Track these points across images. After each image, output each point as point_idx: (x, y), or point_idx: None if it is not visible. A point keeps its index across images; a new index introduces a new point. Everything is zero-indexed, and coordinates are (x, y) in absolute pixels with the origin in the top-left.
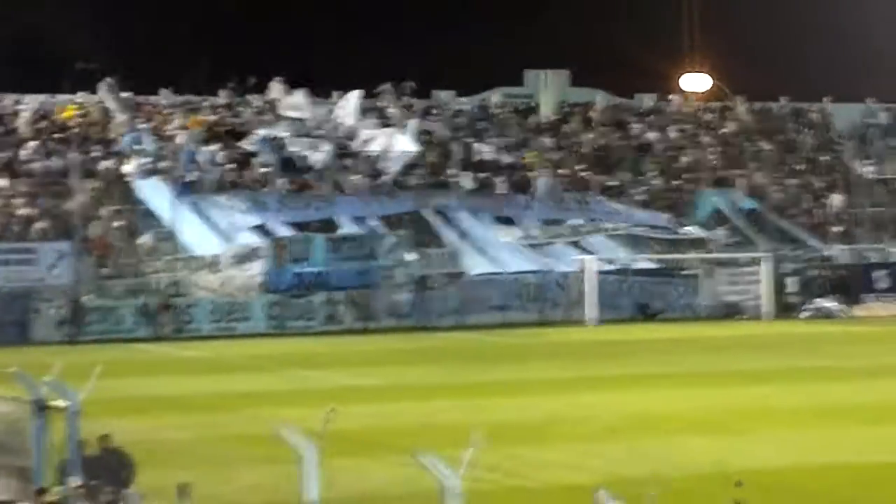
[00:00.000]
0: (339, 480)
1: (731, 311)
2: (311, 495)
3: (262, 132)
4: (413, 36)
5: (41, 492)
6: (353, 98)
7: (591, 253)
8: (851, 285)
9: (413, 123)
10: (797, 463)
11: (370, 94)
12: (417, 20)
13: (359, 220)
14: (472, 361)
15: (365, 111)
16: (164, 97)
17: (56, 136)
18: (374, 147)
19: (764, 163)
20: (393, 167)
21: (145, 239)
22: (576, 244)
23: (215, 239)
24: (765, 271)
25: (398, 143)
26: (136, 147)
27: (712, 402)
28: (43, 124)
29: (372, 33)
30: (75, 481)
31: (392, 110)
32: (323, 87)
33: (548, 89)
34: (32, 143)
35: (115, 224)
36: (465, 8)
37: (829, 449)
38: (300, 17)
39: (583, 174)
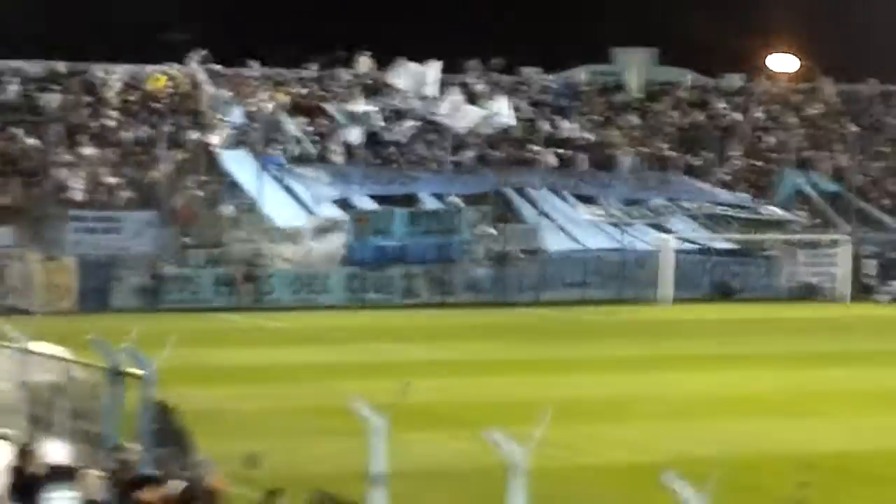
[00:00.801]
0: (409, 454)
1: (810, 293)
2: (377, 468)
3: (348, 106)
4: (501, 12)
5: (115, 449)
6: (433, 70)
7: (671, 232)
8: None
9: (503, 100)
10: (869, 448)
11: (458, 70)
12: None
13: (440, 195)
14: (548, 338)
15: (450, 86)
16: (253, 69)
17: (145, 105)
18: (460, 122)
19: (849, 145)
20: (484, 129)
21: (228, 209)
22: (656, 224)
23: (298, 211)
24: (844, 253)
25: (498, 109)
26: (223, 118)
27: (786, 383)
28: (132, 94)
29: (460, 9)
30: (143, 447)
31: (479, 86)
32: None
33: (634, 68)
34: (121, 113)
35: (199, 194)
36: None
37: None
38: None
39: (667, 153)
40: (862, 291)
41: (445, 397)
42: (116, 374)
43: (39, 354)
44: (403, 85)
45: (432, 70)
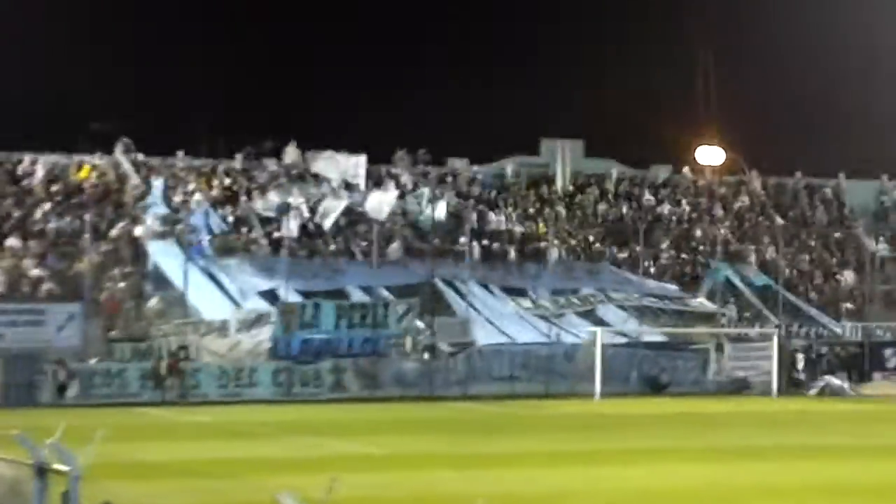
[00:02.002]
0: None
1: (738, 387)
2: None
3: (275, 197)
4: (429, 103)
5: None
6: (359, 161)
7: (600, 323)
8: (861, 363)
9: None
10: None
11: (385, 161)
12: (434, 87)
13: (368, 288)
14: (477, 432)
15: (377, 178)
16: (180, 160)
17: (70, 196)
18: (382, 213)
19: (777, 238)
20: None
21: (154, 302)
22: (585, 315)
23: (225, 304)
24: (772, 347)
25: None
26: (149, 210)
27: (717, 477)
28: (57, 185)
29: (388, 100)
30: None
31: (405, 177)
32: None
33: (563, 159)
34: (46, 203)
35: (125, 286)
36: (481, 76)
37: None
38: (317, 82)
39: (595, 245)
40: (791, 385)
41: (374, 493)
42: (41, 471)
43: None
44: (330, 175)
45: (358, 161)
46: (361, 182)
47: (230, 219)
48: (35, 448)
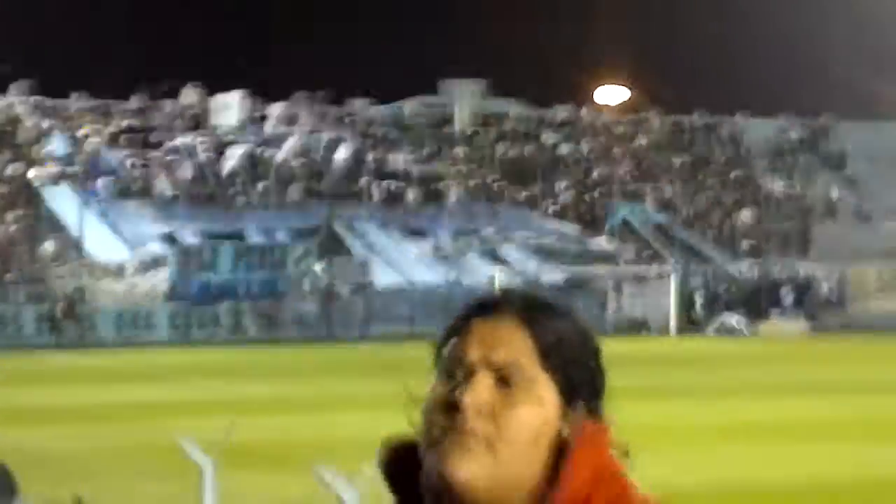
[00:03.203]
0: (239, 494)
1: (638, 326)
2: None
3: (176, 139)
4: (329, 41)
5: None
6: (235, 98)
7: (501, 262)
8: (758, 301)
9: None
10: (696, 482)
11: (284, 99)
12: (334, 26)
13: (268, 231)
14: (375, 373)
15: (279, 118)
16: (76, 101)
17: None
18: (283, 153)
19: (675, 177)
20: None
21: (50, 245)
22: (486, 255)
23: (122, 247)
24: (672, 286)
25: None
26: (44, 152)
27: (611, 419)
28: None
29: (288, 39)
30: None
31: (305, 118)
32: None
33: (463, 99)
34: None
35: (18, 229)
36: (382, 16)
37: (726, 466)
38: (214, 20)
39: (496, 185)
40: (689, 324)
41: (273, 436)
42: None
43: None
44: (223, 119)
45: (244, 100)
46: (234, 119)
47: (127, 162)
48: None
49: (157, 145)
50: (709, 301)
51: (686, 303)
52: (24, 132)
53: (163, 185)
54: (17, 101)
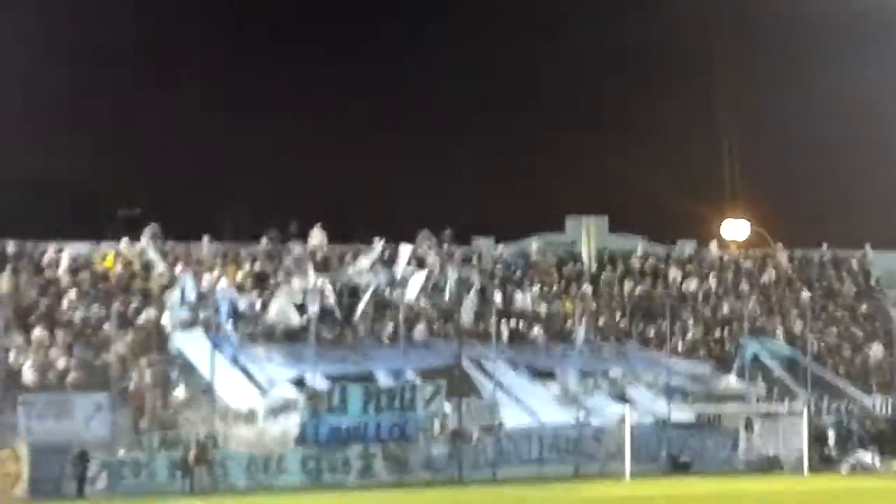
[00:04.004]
0: None
1: (770, 465)
2: None
3: (300, 282)
4: (454, 182)
5: None
6: (383, 247)
7: (629, 403)
8: (892, 437)
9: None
10: None
11: (408, 240)
12: (458, 167)
13: (396, 372)
14: None
15: (405, 259)
16: (205, 246)
17: (95, 285)
18: (410, 293)
19: (803, 311)
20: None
21: (182, 391)
22: (614, 395)
23: (252, 391)
24: (804, 424)
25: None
26: (175, 297)
27: None
28: (83, 273)
29: (414, 180)
30: None
31: (430, 257)
32: (365, 234)
33: (589, 237)
34: (71, 293)
35: (152, 375)
36: (505, 155)
37: None
38: (340, 164)
39: (622, 323)
40: (822, 462)
41: None
42: None
43: None
44: (356, 260)
45: (382, 247)
46: (380, 270)
47: (257, 305)
48: None
49: (286, 288)
50: (842, 437)
51: (818, 440)
52: (155, 278)
53: (292, 328)
54: (149, 247)
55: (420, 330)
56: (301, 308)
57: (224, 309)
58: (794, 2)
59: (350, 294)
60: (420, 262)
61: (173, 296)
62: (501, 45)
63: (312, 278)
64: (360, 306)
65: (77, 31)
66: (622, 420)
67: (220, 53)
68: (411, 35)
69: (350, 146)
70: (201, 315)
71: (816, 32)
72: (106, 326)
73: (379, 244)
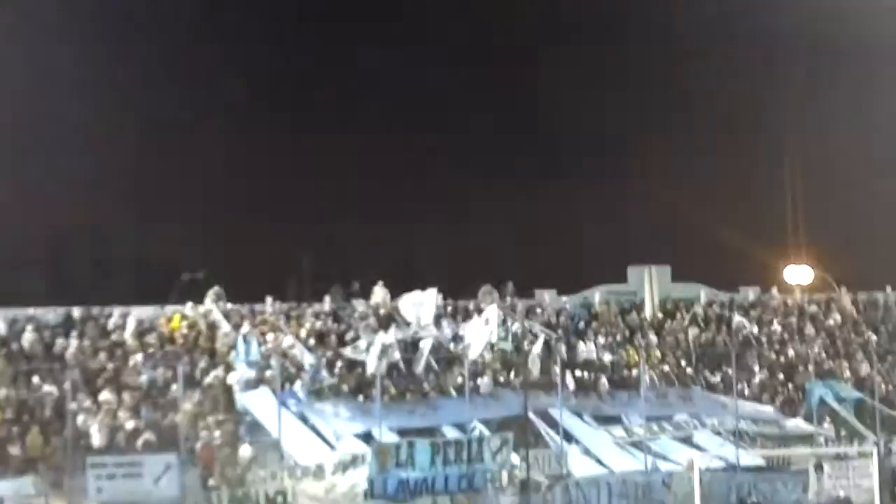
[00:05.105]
0: None
1: None
2: None
3: (369, 338)
4: (514, 236)
5: None
6: (428, 295)
7: (696, 448)
8: None
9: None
10: None
11: (470, 295)
12: (516, 219)
13: (461, 424)
14: None
15: (468, 312)
16: (269, 305)
17: (161, 347)
18: (474, 349)
19: (870, 353)
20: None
21: (250, 448)
22: (681, 441)
23: (320, 447)
24: (874, 464)
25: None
26: (241, 357)
27: None
28: (149, 336)
29: (474, 235)
30: None
31: (495, 310)
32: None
33: (651, 286)
34: (138, 355)
35: (220, 434)
36: (564, 206)
37: None
38: (400, 221)
39: (687, 370)
40: (892, 502)
41: None
42: None
43: None
44: (410, 315)
45: (434, 297)
46: (426, 315)
47: (322, 362)
48: None
49: (351, 344)
50: None
51: (889, 481)
52: (220, 338)
53: (357, 385)
54: (214, 308)
55: (485, 382)
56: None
57: (289, 367)
58: (862, 44)
59: (414, 349)
60: (482, 316)
61: (238, 355)
62: (565, 91)
63: (378, 334)
64: (422, 360)
65: (137, 97)
66: (690, 465)
67: (287, 121)
68: (486, 82)
69: (405, 202)
70: (266, 374)
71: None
72: (173, 387)
73: (430, 293)
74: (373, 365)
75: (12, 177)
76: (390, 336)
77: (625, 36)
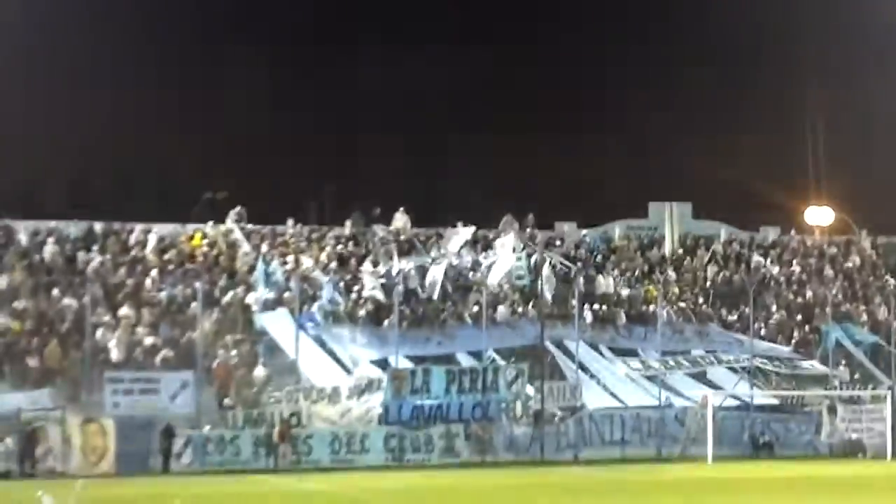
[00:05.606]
0: None
1: (853, 449)
2: None
3: (388, 264)
4: (537, 167)
5: None
6: (463, 234)
7: (711, 384)
8: None
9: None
10: None
11: (492, 224)
12: (542, 152)
13: (477, 353)
14: (588, 498)
15: (489, 242)
16: (290, 228)
17: (181, 265)
18: (493, 278)
19: (888, 298)
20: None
21: (266, 369)
22: (696, 377)
23: (336, 371)
24: (888, 409)
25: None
26: (261, 278)
27: None
28: (170, 253)
29: (497, 164)
30: None
31: (515, 241)
32: (447, 218)
33: (672, 222)
34: (157, 272)
35: (237, 354)
36: (589, 140)
37: None
38: (426, 148)
39: (704, 307)
40: None
41: None
42: None
43: None
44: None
45: (465, 232)
46: (465, 253)
47: (341, 286)
48: None
49: (370, 270)
50: None
51: None
52: (241, 258)
53: (375, 310)
54: (234, 228)
55: (502, 311)
56: (385, 289)
57: (308, 290)
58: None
59: (432, 276)
60: (502, 245)
61: (258, 276)
62: (592, 43)
63: (396, 261)
64: (437, 288)
65: (166, 20)
66: (704, 402)
67: (309, 39)
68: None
69: (433, 135)
70: (285, 295)
71: None
72: (192, 305)
73: (467, 229)
74: (392, 291)
75: (40, 94)
76: (409, 263)
77: None
